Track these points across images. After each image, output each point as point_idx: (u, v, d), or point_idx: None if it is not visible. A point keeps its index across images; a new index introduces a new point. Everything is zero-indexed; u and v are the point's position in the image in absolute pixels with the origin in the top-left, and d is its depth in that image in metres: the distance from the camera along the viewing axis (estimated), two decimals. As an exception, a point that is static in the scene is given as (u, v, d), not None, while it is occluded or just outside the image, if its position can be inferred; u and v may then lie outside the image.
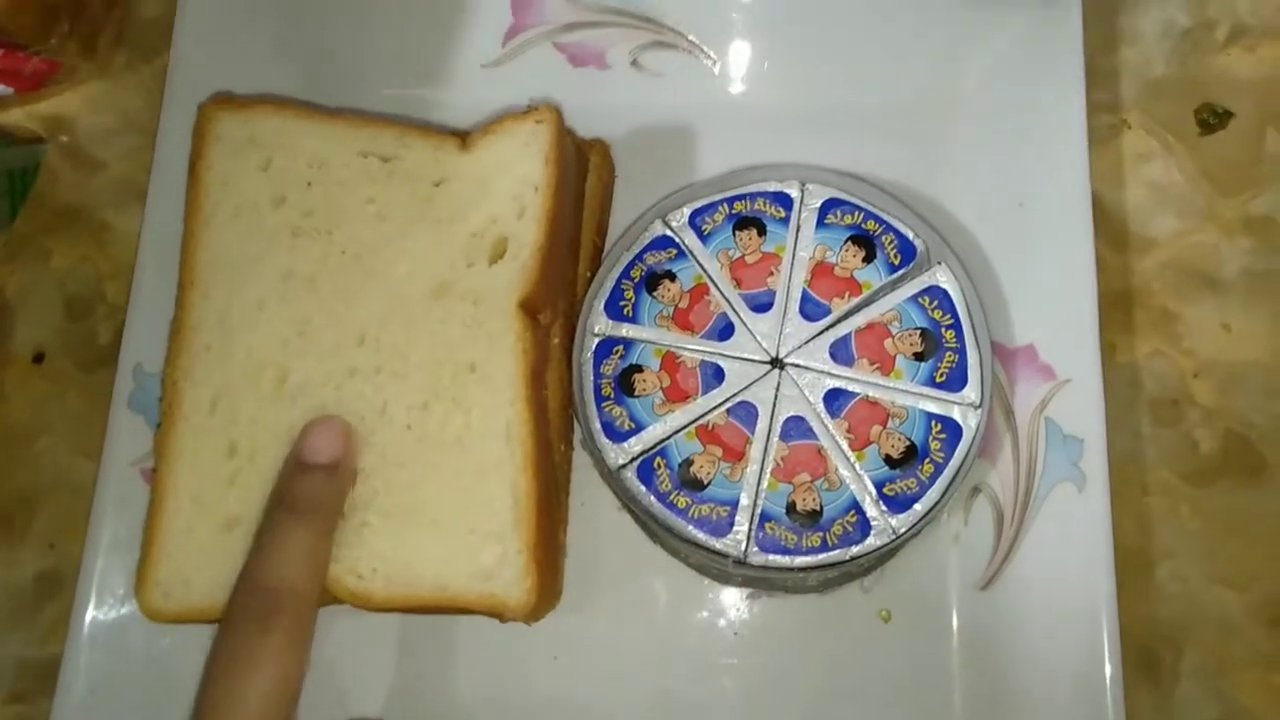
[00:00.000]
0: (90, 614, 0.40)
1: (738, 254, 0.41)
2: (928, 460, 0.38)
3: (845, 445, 0.39)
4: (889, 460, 0.38)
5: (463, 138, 0.40)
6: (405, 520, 0.36)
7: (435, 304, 0.37)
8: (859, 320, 0.40)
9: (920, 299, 0.40)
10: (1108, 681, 0.37)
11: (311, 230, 0.38)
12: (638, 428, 0.39)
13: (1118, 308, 0.44)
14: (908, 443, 0.38)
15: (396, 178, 0.39)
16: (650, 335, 0.40)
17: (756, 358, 0.40)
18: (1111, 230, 0.45)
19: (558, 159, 0.38)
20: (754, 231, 0.42)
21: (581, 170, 0.42)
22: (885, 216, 0.41)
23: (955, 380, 0.39)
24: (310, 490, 0.35)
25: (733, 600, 0.41)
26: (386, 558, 0.35)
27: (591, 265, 0.42)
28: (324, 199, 0.39)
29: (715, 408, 0.39)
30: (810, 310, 0.41)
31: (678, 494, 0.38)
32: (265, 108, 0.40)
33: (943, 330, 0.40)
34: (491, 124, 0.39)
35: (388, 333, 0.37)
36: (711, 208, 0.42)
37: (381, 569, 0.35)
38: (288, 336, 0.37)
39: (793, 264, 0.41)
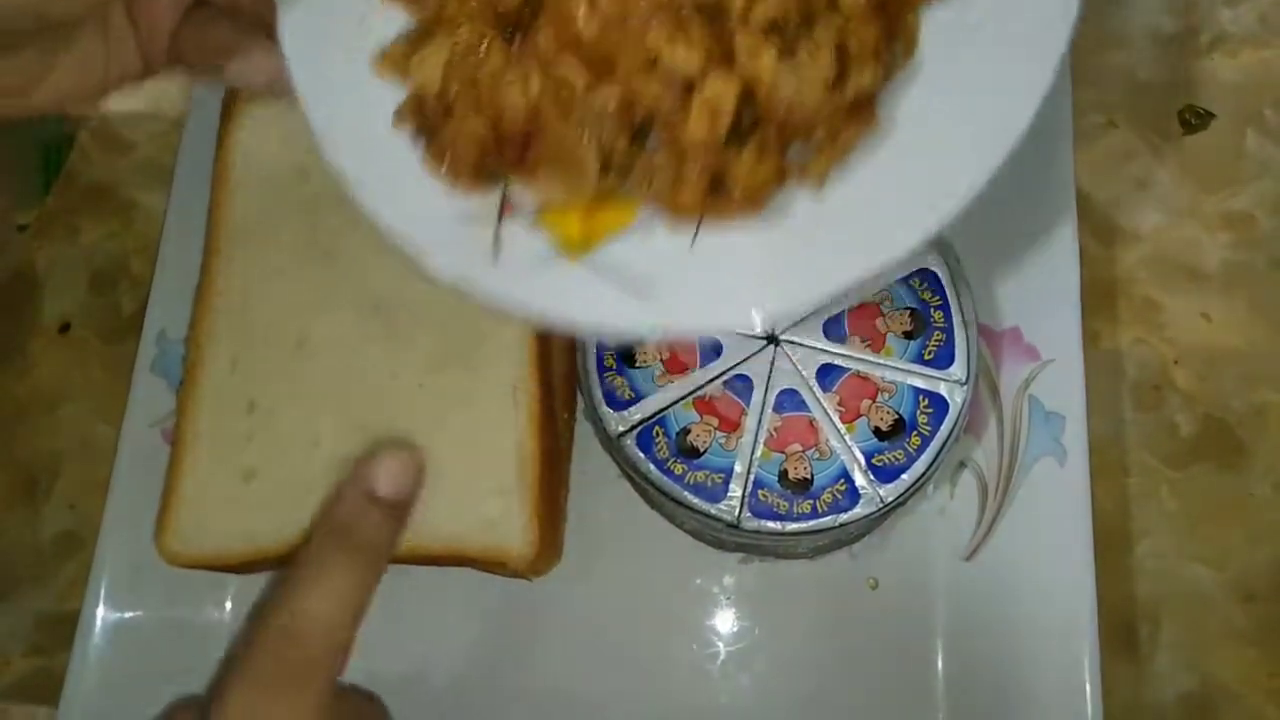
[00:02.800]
0: (109, 566, 0.41)
1: (737, 236, 0.43)
2: (915, 433, 0.40)
3: (836, 418, 0.40)
4: (878, 432, 0.40)
5: None
6: None
7: None
8: (852, 300, 0.42)
9: (911, 281, 0.42)
10: (1086, 652, 0.38)
11: (331, 202, 0.40)
12: (638, 397, 0.41)
13: (1102, 297, 0.46)
14: (896, 416, 0.40)
15: None
16: (652, 310, 0.42)
17: (753, 333, 0.42)
18: (1097, 223, 0.47)
19: None
20: (753, 215, 0.44)
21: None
22: (878, 203, 0.43)
23: (943, 358, 0.41)
24: (380, 534, 0.30)
25: (726, 565, 0.42)
26: None
27: (597, 245, 0.44)
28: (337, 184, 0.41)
29: (713, 380, 0.41)
30: (805, 290, 0.42)
31: (675, 461, 0.40)
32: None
33: (931, 310, 0.42)
34: None
35: (401, 300, 0.39)
36: (712, 192, 0.44)
37: None
38: (306, 302, 0.40)
39: (789, 246, 0.43)
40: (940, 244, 0.42)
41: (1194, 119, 0.48)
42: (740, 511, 0.39)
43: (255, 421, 0.38)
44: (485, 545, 0.36)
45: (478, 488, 0.37)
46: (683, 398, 0.41)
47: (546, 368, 0.39)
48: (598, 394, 0.41)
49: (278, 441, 0.38)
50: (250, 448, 0.38)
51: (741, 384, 0.41)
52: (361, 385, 0.38)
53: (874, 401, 0.40)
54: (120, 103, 0.52)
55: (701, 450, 0.40)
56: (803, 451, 0.40)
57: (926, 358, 0.41)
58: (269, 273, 0.40)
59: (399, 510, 0.31)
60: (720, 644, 0.41)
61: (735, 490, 0.40)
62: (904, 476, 0.39)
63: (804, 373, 0.41)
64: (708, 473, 0.40)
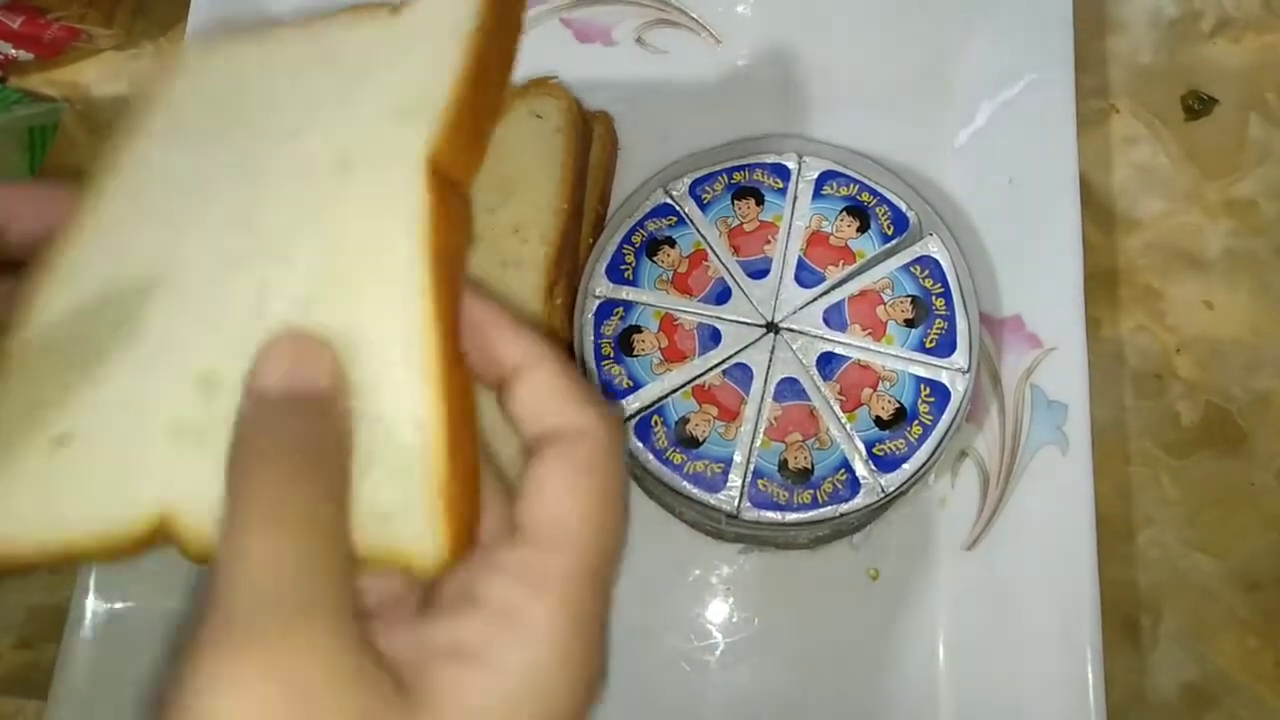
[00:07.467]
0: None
1: (736, 222, 0.43)
2: (916, 422, 0.39)
3: (837, 406, 0.40)
4: (879, 421, 0.40)
5: (395, 5, 0.33)
6: None
7: (333, 179, 0.30)
8: (852, 287, 0.42)
9: (912, 268, 0.42)
10: (1088, 641, 0.38)
11: (225, 128, 0.32)
12: (636, 386, 0.40)
13: (1104, 284, 0.45)
14: (897, 405, 0.40)
15: (324, 61, 0.33)
16: (650, 298, 0.42)
17: (752, 321, 0.41)
18: (1099, 210, 0.46)
19: (492, 5, 0.31)
20: (752, 201, 0.43)
21: (586, 140, 0.44)
22: (879, 189, 0.43)
23: (944, 346, 0.40)
24: (298, 432, 0.24)
25: (725, 556, 0.42)
26: None
27: (594, 231, 0.44)
28: (245, 99, 0.33)
29: (712, 368, 0.41)
30: (805, 277, 0.42)
31: (674, 451, 0.40)
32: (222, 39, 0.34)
33: (933, 298, 0.41)
34: None
35: (275, 213, 0.30)
36: (711, 177, 0.43)
37: None
38: (163, 227, 0.31)
39: (789, 233, 0.42)
40: (943, 231, 0.42)
41: (1197, 105, 0.48)
42: (740, 502, 0.39)
43: (75, 373, 0.29)
44: (379, 542, 0.26)
45: (366, 467, 0.27)
46: (681, 386, 0.40)
47: (455, 297, 0.29)
48: (595, 383, 0.40)
49: (103, 398, 0.29)
50: (66, 405, 0.29)
51: (741, 373, 0.41)
52: (215, 324, 0.29)
53: (875, 390, 0.40)
54: (104, 86, 0.51)
55: (700, 440, 0.40)
56: (803, 441, 0.40)
57: (928, 346, 0.40)
58: (127, 201, 0.32)
59: (316, 402, 0.25)
60: (719, 635, 0.41)
61: (735, 480, 0.39)
62: (905, 466, 0.39)
63: (804, 361, 0.41)
64: (707, 462, 0.39)
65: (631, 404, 0.40)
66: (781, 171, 0.43)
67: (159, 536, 0.28)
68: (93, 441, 0.29)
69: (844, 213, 0.42)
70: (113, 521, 0.28)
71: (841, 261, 0.42)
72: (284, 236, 0.30)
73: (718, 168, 0.43)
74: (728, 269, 0.42)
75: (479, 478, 0.29)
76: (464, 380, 0.29)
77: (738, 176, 0.43)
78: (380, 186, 0.29)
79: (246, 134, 0.32)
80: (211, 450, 0.28)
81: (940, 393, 0.40)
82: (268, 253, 0.29)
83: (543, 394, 0.26)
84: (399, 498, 0.27)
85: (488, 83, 0.31)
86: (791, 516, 0.39)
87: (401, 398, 0.27)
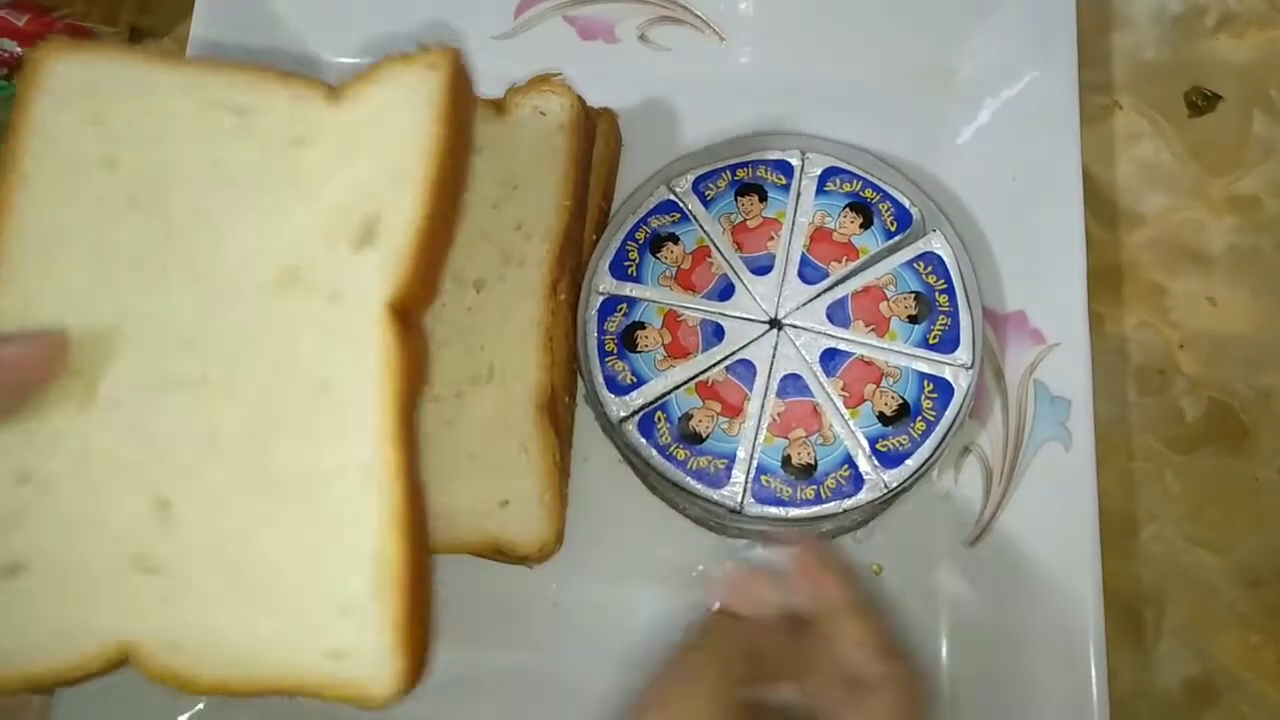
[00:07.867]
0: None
1: (739, 219, 0.43)
2: (920, 418, 0.40)
3: (840, 402, 0.40)
4: (882, 417, 0.40)
5: (333, 87, 0.32)
6: (237, 580, 0.28)
7: (281, 297, 0.29)
8: (855, 283, 0.42)
9: (915, 264, 0.42)
10: (1090, 637, 0.38)
11: (143, 198, 0.31)
12: (639, 382, 0.40)
13: (1107, 281, 0.45)
14: (901, 401, 0.40)
15: (249, 135, 0.31)
16: (653, 294, 0.42)
17: (756, 318, 0.41)
18: (1102, 206, 0.46)
19: (452, 116, 0.29)
20: (755, 197, 0.43)
21: (589, 137, 0.44)
22: (882, 185, 0.43)
23: (948, 342, 0.40)
24: (726, 644, 0.33)
25: (729, 552, 0.42)
26: (210, 628, 0.28)
27: (597, 228, 0.44)
28: (162, 160, 0.31)
29: (715, 364, 0.41)
30: (809, 273, 0.42)
31: (677, 447, 0.40)
32: (106, 51, 0.32)
33: (936, 294, 0.41)
34: (369, 69, 0.31)
35: (220, 333, 0.29)
36: (715, 174, 0.43)
37: (205, 641, 0.28)
38: (101, 333, 0.30)
39: (792, 229, 0.43)
40: (946, 227, 0.42)
41: (1200, 101, 0.48)
42: (743, 498, 0.39)
43: (27, 496, 0.29)
44: (332, 680, 0.27)
45: (321, 603, 0.28)
46: (685, 382, 0.40)
47: (413, 436, 0.29)
48: (599, 378, 0.41)
49: (56, 526, 0.29)
50: (17, 532, 0.29)
51: (744, 369, 0.41)
52: (168, 451, 0.29)
53: (878, 386, 0.40)
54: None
55: (704, 436, 0.40)
56: (806, 437, 0.40)
57: (931, 342, 0.40)
58: (59, 293, 0.30)
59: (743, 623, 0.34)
60: (723, 630, 0.41)
61: (738, 476, 0.39)
62: (908, 462, 0.39)
63: (807, 357, 0.41)
64: (710, 458, 0.39)
65: (635, 400, 0.40)
66: (785, 168, 0.43)
67: (117, 661, 0.29)
68: (48, 570, 0.28)
69: (847, 209, 0.43)
70: (69, 652, 0.29)
71: (845, 258, 0.42)
72: (227, 356, 0.29)
73: (721, 164, 0.44)
74: (731, 265, 0.42)
75: (432, 611, 0.30)
76: (422, 514, 0.29)
77: (741, 173, 0.43)
78: (334, 320, 0.29)
79: (164, 212, 0.30)
80: (169, 580, 0.28)
81: (943, 388, 0.40)
82: (211, 379, 0.29)
83: (856, 644, 0.31)
84: (355, 635, 0.27)
85: (448, 208, 0.31)
86: (795, 512, 0.39)
87: (362, 535, 0.28)
